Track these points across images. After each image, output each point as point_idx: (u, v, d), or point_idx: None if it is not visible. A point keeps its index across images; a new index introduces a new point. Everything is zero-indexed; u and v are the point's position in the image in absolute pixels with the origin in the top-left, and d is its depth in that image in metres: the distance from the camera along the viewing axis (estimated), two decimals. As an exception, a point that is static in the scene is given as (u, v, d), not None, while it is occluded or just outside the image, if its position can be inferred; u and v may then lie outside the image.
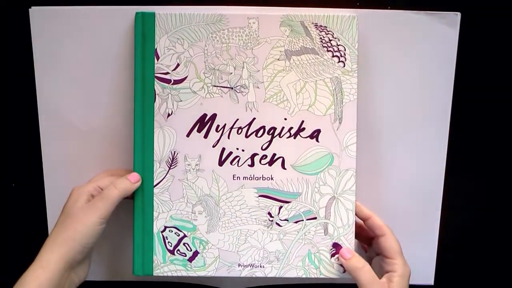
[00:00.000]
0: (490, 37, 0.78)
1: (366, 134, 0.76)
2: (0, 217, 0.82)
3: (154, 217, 0.72)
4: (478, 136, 0.80)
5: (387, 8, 0.74)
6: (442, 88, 0.76)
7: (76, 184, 0.71)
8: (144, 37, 0.71)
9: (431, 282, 0.81)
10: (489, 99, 0.79)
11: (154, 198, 0.72)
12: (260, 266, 0.73)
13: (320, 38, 0.71)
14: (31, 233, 0.81)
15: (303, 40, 0.71)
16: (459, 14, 0.74)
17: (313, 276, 0.73)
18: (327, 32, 0.71)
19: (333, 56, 0.71)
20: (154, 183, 0.72)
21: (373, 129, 0.76)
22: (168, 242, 0.73)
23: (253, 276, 0.73)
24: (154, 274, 0.73)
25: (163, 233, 0.73)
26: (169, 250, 0.73)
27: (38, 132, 0.76)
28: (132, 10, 0.72)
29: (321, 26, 0.71)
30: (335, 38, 0.71)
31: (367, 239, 0.75)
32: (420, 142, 0.77)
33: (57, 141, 0.77)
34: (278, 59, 0.71)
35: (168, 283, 0.81)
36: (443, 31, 0.75)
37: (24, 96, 0.77)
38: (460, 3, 0.75)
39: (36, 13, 0.74)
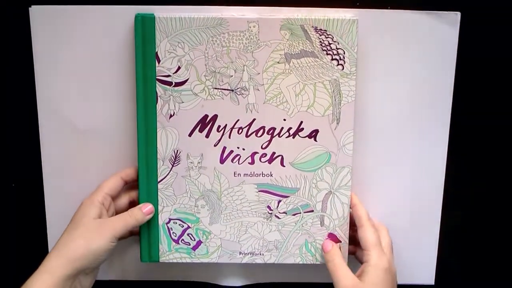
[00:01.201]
0: (490, 37, 0.78)
1: (366, 133, 0.77)
2: (0, 217, 0.84)
3: (159, 210, 0.76)
4: (478, 136, 0.81)
5: (387, 8, 0.74)
6: (442, 88, 0.77)
7: (76, 185, 0.74)
8: (144, 40, 0.71)
9: (431, 282, 0.83)
10: (489, 99, 0.80)
11: (159, 193, 0.75)
12: (260, 254, 0.78)
13: (320, 41, 0.72)
14: (31, 234, 0.82)
15: (303, 44, 0.72)
16: (459, 13, 0.74)
17: (309, 263, 0.78)
18: (327, 36, 0.71)
19: (332, 59, 0.72)
20: (158, 179, 0.75)
21: (373, 128, 0.77)
22: (173, 232, 0.77)
23: (254, 262, 0.78)
24: (160, 261, 0.78)
25: (168, 225, 0.77)
26: (174, 240, 0.77)
27: (38, 132, 0.77)
28: (133, 9, 0.72)
29: (321, 29, 0.71)
30: (335, 41, 0.72)
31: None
32: (420, 142, 0.78)
33: (57, 142, 0.77)
34: (278, 62, 0.72)
35: (169, 282, 0.84)
36: (443, 31, 0.75)
37: (24, 96, 0.77)
38: (460, 3, 0.75)
39: (36, 12, 0.73)
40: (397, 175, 0.79)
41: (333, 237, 0.77)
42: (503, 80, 0.79)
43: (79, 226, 0.70)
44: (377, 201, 0.79)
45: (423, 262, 0.82)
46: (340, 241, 0.77)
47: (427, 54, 0.75)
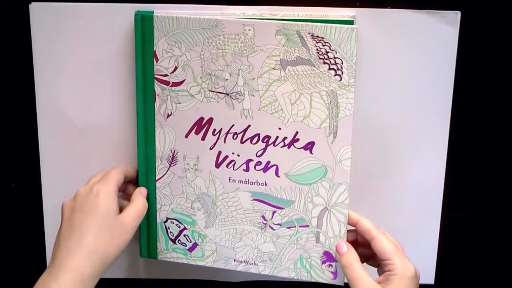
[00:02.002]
0: (490, 36, 0.75)
1: (365, 134, 0.75)
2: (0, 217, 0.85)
3: (157, 208, 0.76)
4: (478, 135, 0.80)
5: (386, 7, 0.72)
6: (442, 88, 0.75)
7: (75, 184, 0.74)
8: (143, 38, 0.71)
9: (431, 281, 0.82)
10: (489, 99, 0.78)
11: (157, 191, 0.76)
12: (254, 264, 0.76)
13: (317, 49, 0.67)
14: (31, 233, 0.83)
15: (299, 51, 0.68)
16: (459, 13, 0.73)
17: (304, 280, 0.74)
18: (324, 44, 0.67)
19: (329, 68, 0.68)
20: (156, 178, 0.75)
21: (372, 127, 0.76)
22: (170, 232, 0.77)
23: (248, 271, 0.76)
24: (159, 259, 0.78)
25: (166, 224, 0.77)
26: (171, 239, 0.77)
27: (37, 130, 0.79)
28: (133, 7, 0.72)
29: (318, 37, 0.67)
30: (332, 50, 0.67)
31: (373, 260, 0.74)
32: (420, 142, 0.77)
33: (56, 140, 0.78)
34: (273, 68, 0.69)
35: (166, 280, 0.84)
36: (443, 30, 0.73)
37: (23, 94, 0.78)
38: (460, 2, 0.73)
39: (36, 9, 0.75)
40: (397, 175, 0.77)
41: (329, 256, 0.73)
42: (503, 80, 0.78)
43: (105, 226, 0.68)
44: (377, 201, 0.78)
45: (423, 261, 0.78)
46: (336, 261, 0.73)
47: (427, 54, 0.74)
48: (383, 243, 0.69)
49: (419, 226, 0.79)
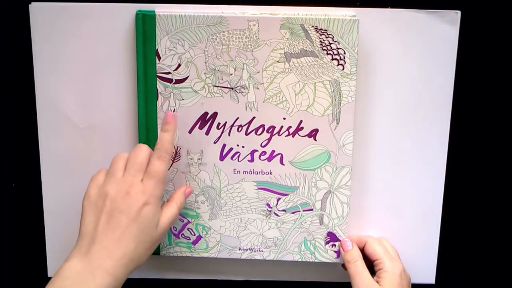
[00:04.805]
0: (490, 36, 0.77)
1: (366, 133, 0.77)
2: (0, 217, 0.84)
3: (160, 205, 0.77)
4: (478, 136, 0.80)
5: (387, 7, 0.74)
6: (442, 88, 0.76)
7: (75, 183, 0.75)
8: (145, 37, 0.72)
9: (432, 281, 0.82)
10: (489, 99, 0.79)
11: (159, 188, 0.76)
12: (259, 250, 0.78)
13: (320, 41, 0.71)
14: (30, 233, 0.82)
15: (303, 43, 0.71)
16: (459, 12, 0.74)
17: (308, 260, 0.78)
18: (327, 36, 0.71)
19: (332, 59, 0.72)
20: (159, 175, 0.76)
21: (372, 128, 0.77)
22: (173, 227, 0.78)
23: (253, 258, 0.78)
24: (161, 254, 0.79)
25: (169, 219, 0.78)
26: (174, 234, 0.78)
27: (37, 130, 0.77)
28: (134, 7, 0.73)
29: (321, 29, 0.71)
30: (335, 41, 0.71)
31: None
32: (420, 142, 0.77)
33: (57, 140, 0.77)
34: (278, 61, 0.72)
35: (170, 280, 0.84)
36: (443, 30, 0.74)
37: (23, 94, 0.77)
38: (460, 2, 0.74)
39: (36, 9, 0.74)
40: (397, 175, 0.79)
41: (332, 236, 0.77)
42: (503, 80, 0.79)
43: (147, 238, 0.67)
44: (377, 201, 0.79)
45: (424, 261, 0.81)
46: (339, 240, 0.77)
47: (427, 53, 0.75)
48: (373, 246, 0.76)
49: (419, 226, 0.80)
